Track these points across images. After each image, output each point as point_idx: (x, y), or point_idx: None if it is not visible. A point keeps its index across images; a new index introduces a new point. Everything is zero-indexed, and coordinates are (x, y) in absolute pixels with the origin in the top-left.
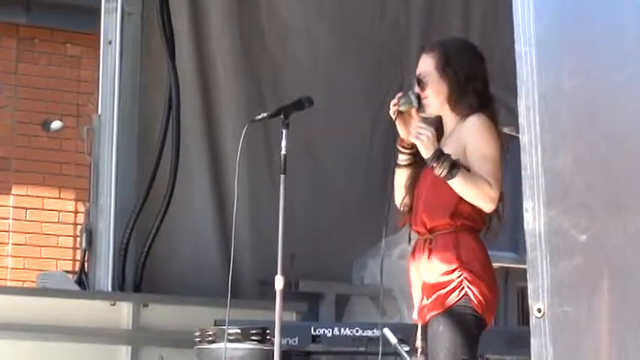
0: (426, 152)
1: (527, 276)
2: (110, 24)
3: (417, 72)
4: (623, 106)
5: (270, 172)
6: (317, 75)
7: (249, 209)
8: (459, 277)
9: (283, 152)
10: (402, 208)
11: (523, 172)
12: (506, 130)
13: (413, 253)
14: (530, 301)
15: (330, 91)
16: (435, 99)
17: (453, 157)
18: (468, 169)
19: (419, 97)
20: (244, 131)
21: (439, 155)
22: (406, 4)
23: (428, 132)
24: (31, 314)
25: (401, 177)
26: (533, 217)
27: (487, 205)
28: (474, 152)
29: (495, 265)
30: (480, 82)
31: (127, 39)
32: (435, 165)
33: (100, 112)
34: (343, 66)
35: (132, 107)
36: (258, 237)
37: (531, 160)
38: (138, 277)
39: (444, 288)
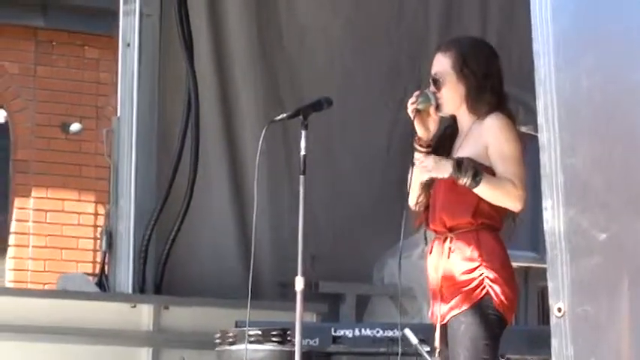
0: (443, 173)
1: (547, 275)
2: (128, 26)
3: (433, 72)
4: None
5: (289, 172)
6: (334, 75)
7: (268, 210)
8: (480, 275)
9: (302, 153)
10: (416, 208)
11: (542, 171)
12: (524, 129)
13: (430, 252)
14: (550, 301)
15: (348, 92)
16: (452, 99)
17: (472, 157)
18: (489, 169)
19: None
20: (263, 132)
21: (458, 167)
22: (424, 5)
23: (428, 160)
24: (51, 316)
25: (417, 176)
26: (552, 216)
27: (515, 205)
28: (497, 153)
29: (515, 264)
30: (497, 80)
31: (146, 41)
32: (458, 177)
33: (119, 114)
34: (361, 66)
35: (151, 109)
36: (278, 238)
37: (550, 158)
38: (158, 278)
39: (465, 287)
